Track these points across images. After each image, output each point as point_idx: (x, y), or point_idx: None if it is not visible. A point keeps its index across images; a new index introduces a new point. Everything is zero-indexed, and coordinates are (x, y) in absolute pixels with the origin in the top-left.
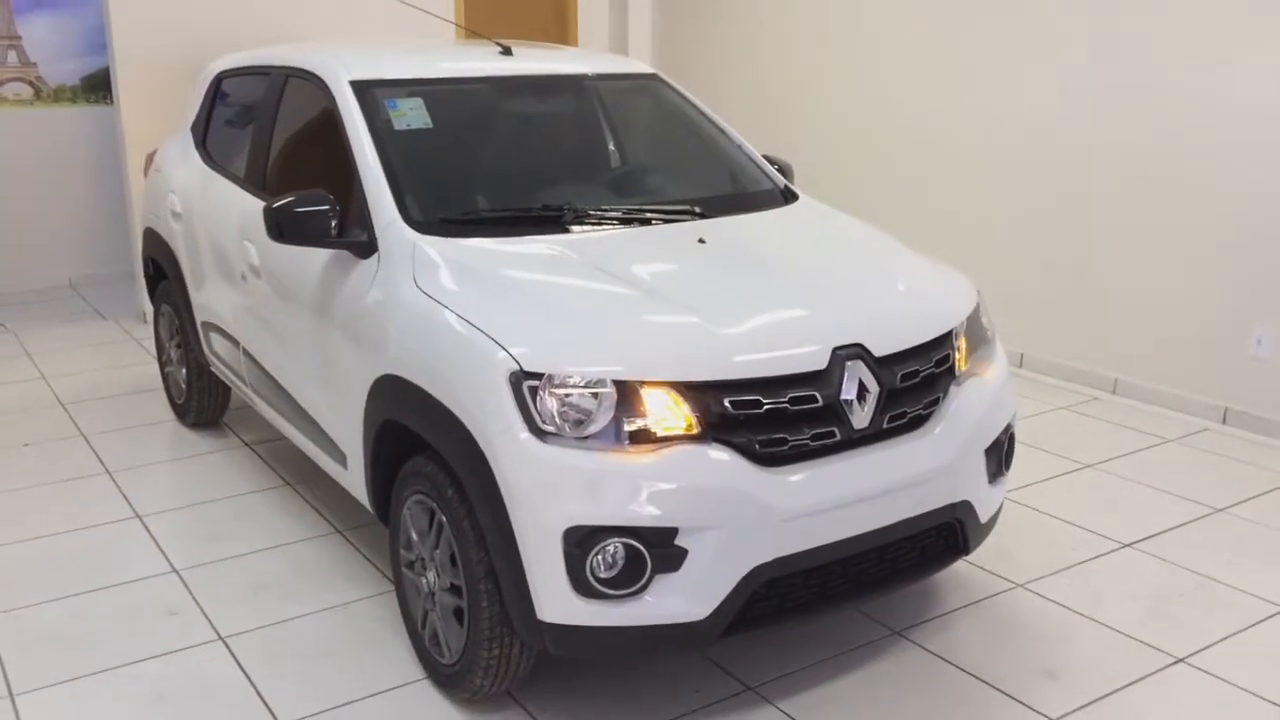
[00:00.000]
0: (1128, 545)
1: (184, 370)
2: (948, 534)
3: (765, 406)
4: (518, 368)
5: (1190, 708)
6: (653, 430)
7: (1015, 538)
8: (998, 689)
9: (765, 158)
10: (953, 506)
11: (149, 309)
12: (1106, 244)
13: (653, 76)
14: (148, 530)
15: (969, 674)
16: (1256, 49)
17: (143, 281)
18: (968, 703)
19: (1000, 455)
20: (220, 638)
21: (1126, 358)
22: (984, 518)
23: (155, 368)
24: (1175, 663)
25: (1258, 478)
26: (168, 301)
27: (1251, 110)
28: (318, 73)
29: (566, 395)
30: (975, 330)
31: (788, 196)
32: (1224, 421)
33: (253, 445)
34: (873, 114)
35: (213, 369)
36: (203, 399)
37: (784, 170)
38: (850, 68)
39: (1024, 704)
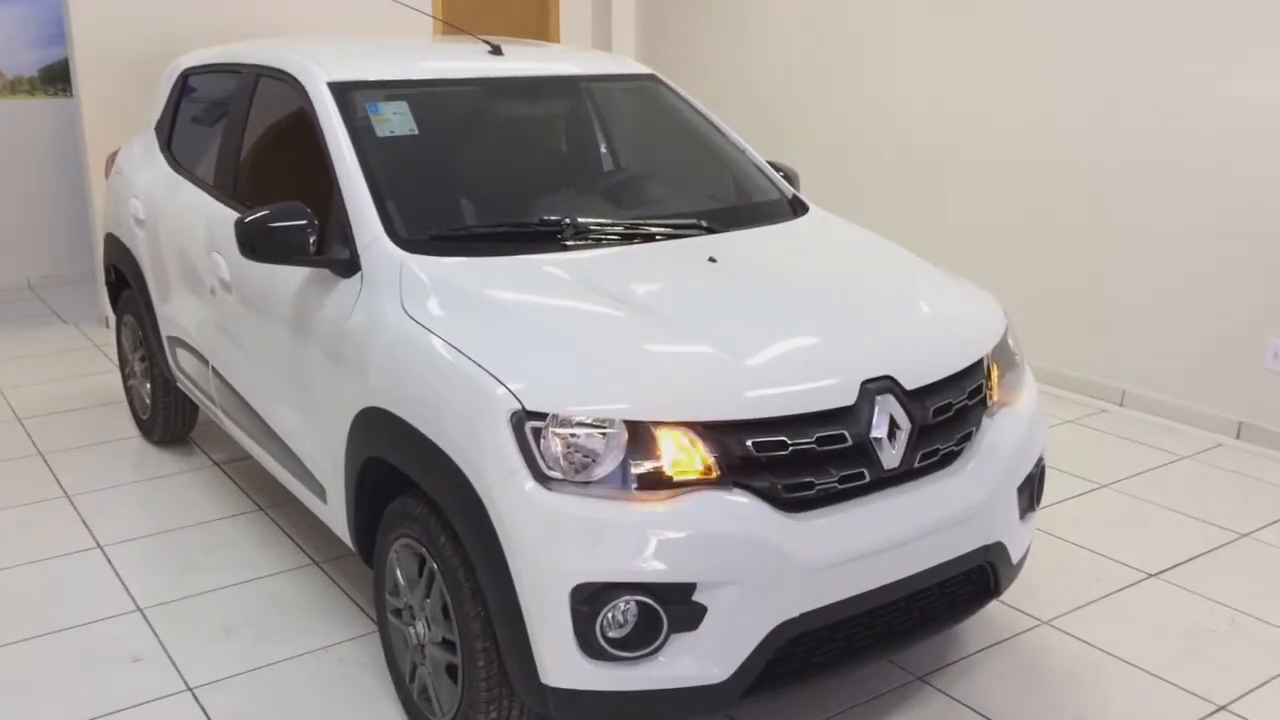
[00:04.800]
0: (1153, 575)
1: (148, 385)
2: (978, 577)
3: (790, 447)
4: (519, 407)
5: None
6: (667, 474)
7: (1036, 567)
8: None
9: (770, 163)
10: (985, 549)
11: (112, 315)
12: (1114, 250)
13: (651, 77)
14: (110, 563)
15: None
16: (1269, 51)
17: (105, 286)
18: None
19: (1032, 490)
20: (189, 688)
21: (1135, 369)
22: (1015, 558)
23: (118, 377)
24: (1216, 710)
25: (1279, 498)
26: (131, 312)
27: (1266, 114)
28: (293, 73)
29: (572, 435)
30: (1004, 355)
31: (796, 207)
32: (1237, 436)
33: (222, 465)
34: (869, 115)
35: (179, 385)
36: (169, 415)
37: (790, 178)
38: (845, 67)
39: None
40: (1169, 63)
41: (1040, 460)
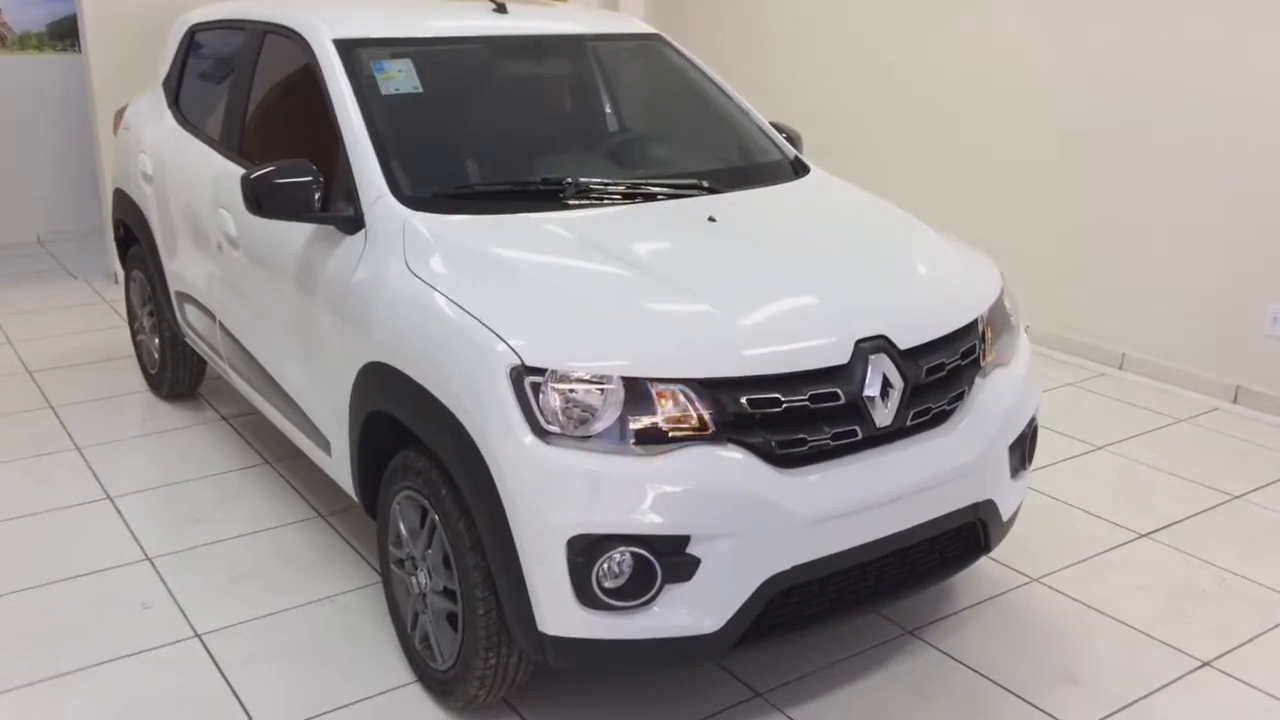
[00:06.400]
0: (1144, 535)
1: (157, 340)
2: (969, 534)
3: (784, 404)
4: (519, 362)
5: (1219, 717)
6: (663, 430)
7: (1029, 526)
8: (1018, 695)
9: (773, 125)
10: (976, 506)
11: (121, 270)
12: (1115, 213)
13: (655, 37)
14: (119, 513)
15: (985, 677)
16: (1274, 15)
17: (113, 242)
18: (986, 711)
19: (1024, 449)
20: (197, 634)
21: (1135, 332)
22: (1006, 516)
23: (127, 333)
24: (1200, 666)
25: (1273, 461)
26: (139, 267)
27: (1270, 80)
28: (298, 29)
29: (570, 391)
30: (998, 316)
31: (798, 169)
32: (1235, 401)
33: (230, 419)
34: (876, 79)
35: (186, 340)
36: (177, 370)
37: (792, 139)
38: (854, 30)
39: (1045, 712)
40: (1173, 26)
41: (1033, 420)
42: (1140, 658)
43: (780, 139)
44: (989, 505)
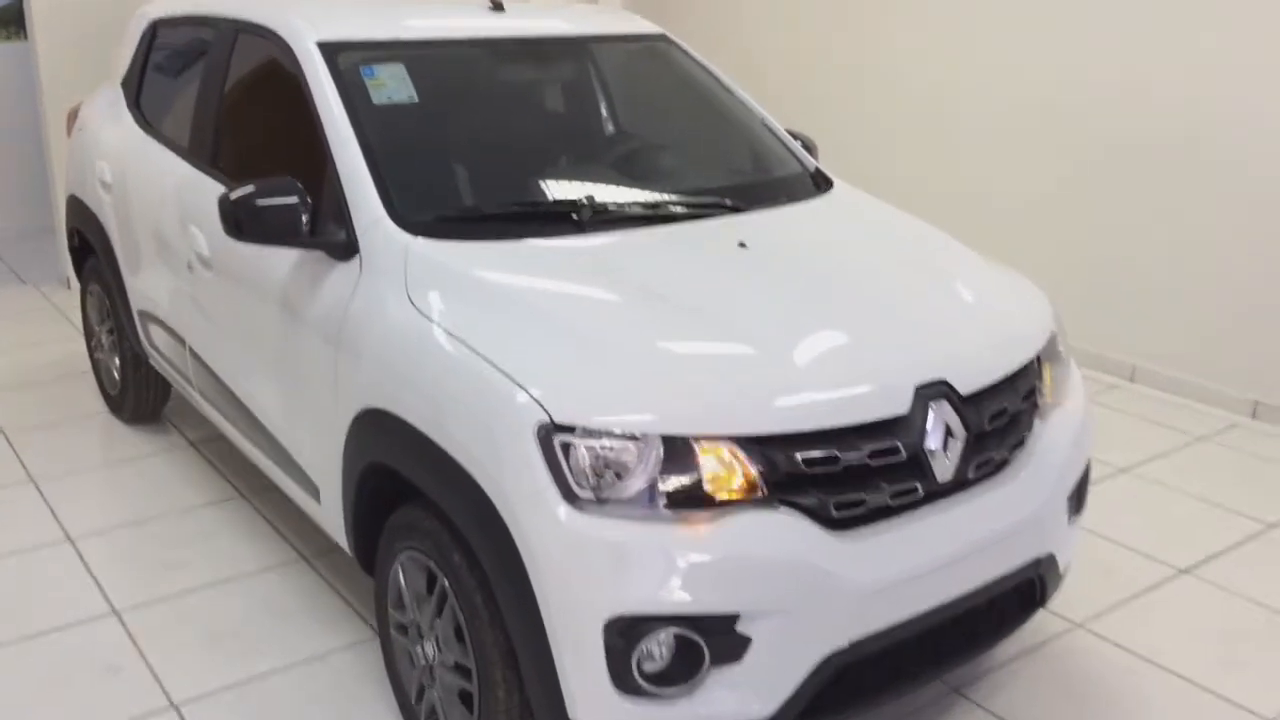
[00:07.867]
0: (1184, 571)
1: (117, 359)
2: (1026, 589)
3: (841, 462)
4: (547, 419)
5: None
6: (708, 493)
7: None
8: None
9: (788, 132)
10: (1037, 561)
11: (74, 276)
12: (1126, 220)
13: (661, 37)
14: (81, 558)
15: None
16: None
17: (67, 251)
18: None
19: (1080, 494)
20: (173, 704)
21: (1146, 344)
22: (1062, 566)
23: (83, 345)
24: None
25: None
26: (97, 281)
27: None
28: (277, 30)
29: (603, 448)
30: (1052, 351)
31: (819, 182)
32: (1254, 416)
33: (199, 445)
34: (877, 82)
35: (151, 362)
36: (140, 391)
37: (809, 147)
38: (851, 35)
39: None
40: (1190, 31)
41: (1088, 462)
42: (1198, 715)
43: (799, 148)
44: (1049, 559)
